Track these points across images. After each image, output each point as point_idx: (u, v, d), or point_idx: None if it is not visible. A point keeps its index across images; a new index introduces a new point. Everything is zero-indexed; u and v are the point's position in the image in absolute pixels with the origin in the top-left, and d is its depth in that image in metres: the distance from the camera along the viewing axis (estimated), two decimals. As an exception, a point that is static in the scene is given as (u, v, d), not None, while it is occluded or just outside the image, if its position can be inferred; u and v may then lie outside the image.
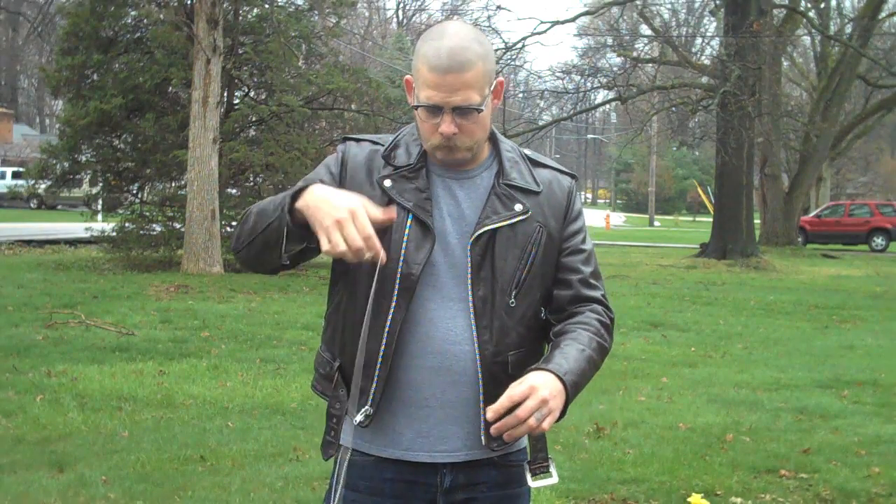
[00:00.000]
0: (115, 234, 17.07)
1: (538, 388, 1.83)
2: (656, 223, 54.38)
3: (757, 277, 19.32)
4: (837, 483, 5.30)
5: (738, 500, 5.00)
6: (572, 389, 1.89)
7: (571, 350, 1.95)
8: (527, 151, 2.12)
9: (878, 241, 31.81)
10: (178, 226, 16.83)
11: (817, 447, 6.05)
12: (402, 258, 1.95)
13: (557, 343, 1.99)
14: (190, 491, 4.93)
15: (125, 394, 7.04)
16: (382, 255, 1.82)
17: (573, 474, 5.35)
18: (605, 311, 2.09)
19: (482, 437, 2.00)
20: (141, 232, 17.06)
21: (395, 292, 1.95)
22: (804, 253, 27.45)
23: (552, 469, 2.00)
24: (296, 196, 1.85)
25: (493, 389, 1.94)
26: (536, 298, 2.05)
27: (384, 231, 1.94)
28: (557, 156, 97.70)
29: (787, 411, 7.13)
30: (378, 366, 1.96)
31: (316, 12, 19.88)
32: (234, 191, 18.21)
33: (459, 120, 1.93)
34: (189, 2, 16.17)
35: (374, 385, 1.97)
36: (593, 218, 54.76)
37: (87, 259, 17.41)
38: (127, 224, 17.14)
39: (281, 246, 1.88)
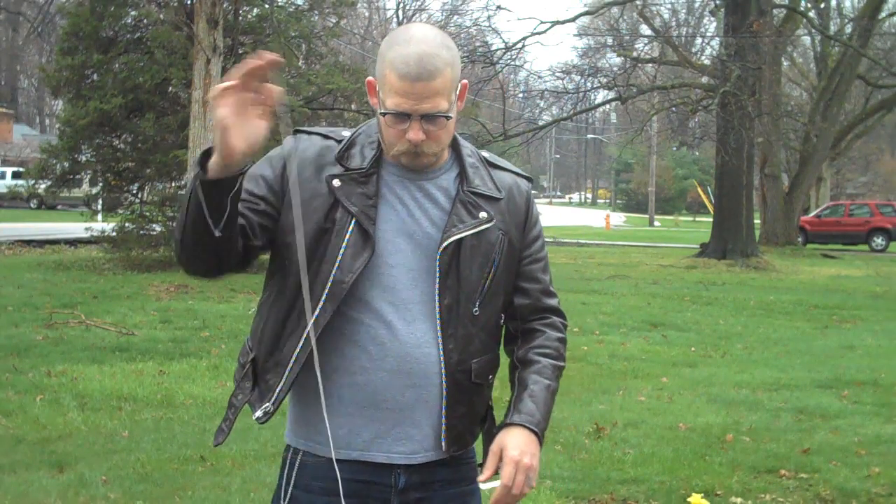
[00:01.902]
0: (115, 234, 17.07)
1: (519, 458, 1.95)
2: (656, 223, 54.34)
3: (757, 277, 19.32)
4: (837, 483, 5.30)
5: (738, 500, 5.00)
6: (543, 436, 2.03)
7: (539, 391, 2.05)
8: (484, 153, 2.12)
9: (878, 241, 31.81)
10: (177, 226, 16.82)
11: (817, 447, 6.05)
12: (337, 264, 1.94)
13: (525, 381, 2.07)
14: (190, 491, 4.93)
15: (125, 394, 7.05)
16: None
17: (573, 474, 5.35)
18: (562, 322, 2.18)
19: (443, 444, 2.02)
20: (141, 232, 17.05)
21: (324, 296, 1.94)
22: (804, 253, 27.45)
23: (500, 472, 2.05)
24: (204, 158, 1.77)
25: (456, 395, 2.01)
26: (498, 306, 2.09)
27: (323, 233, 1.95)
28: (557, 156, 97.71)
29: (787, 411, 7.13)
30: (290, 366, 1.96)
31: (316, 12, 19.88)
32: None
33: (427, 126, 1.92)
34: (189, 2, 16.17)
35: (280, 384, 1.98)
36: (593, 218, 54.77)
37: (87, 259, 17.41)
38: (127, 224, 17.13)
39: (204, 215, 1.78)
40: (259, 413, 2.00)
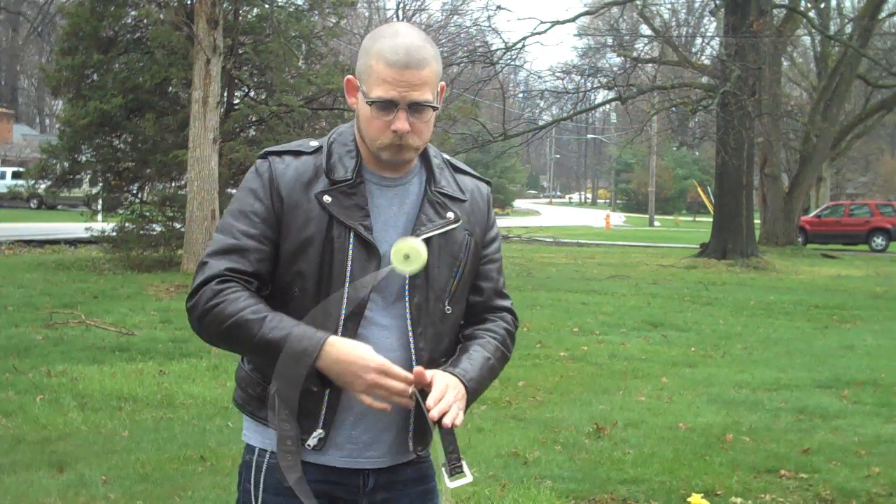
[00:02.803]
0: (115, 234, 17.08)
1: (451, 386, 1.93)
2: (656, 223, 54.36)
3: (757, 277, 19.31)
4: (837, 483, 5.30)
5: (738, 500, 5.00)
6: (472, 396, 1.99)
7: (478, 357, 2.04)
8: (445, 156, 2.14)
9: (878, 241, 31.81)
10: (178, 226, 16.83)
11: (817, 447, 6.05)
12: (348, 281, 1.94)
13: (466, 347, 2.07)
14: (190, 491, 4.92)
15: (125, 394, 7.05)
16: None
17: (573, 474, 5.35)
18: (514, 320, 2.19)
19: (409, 443, 2.03)
20: (141, 232, 17.06)
21: (342, 317, 1.94)
22: (804, 253, 27.44)
23: (465, 468, 1.99)
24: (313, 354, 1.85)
25: (426, 394, 1.99)
26: (465, 305, 2.11)
27: (326, 253, 1.94)
28: (557, 156, 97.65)
29: (787, 411, 7.13)
30: (328, 389, 1.95)
31: (316, 12, 19.87)
32: (234, 191, 18.20)
33: (412, 118, 1.94)
34: (189, 2, 16.16)
35: (323, 408, 1.97)
36: (593, 218, 54.76)
37: (87, 259, 17.40)
38: (127, 224, 17.14)
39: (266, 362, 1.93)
40: (313, 442, 1.97)
